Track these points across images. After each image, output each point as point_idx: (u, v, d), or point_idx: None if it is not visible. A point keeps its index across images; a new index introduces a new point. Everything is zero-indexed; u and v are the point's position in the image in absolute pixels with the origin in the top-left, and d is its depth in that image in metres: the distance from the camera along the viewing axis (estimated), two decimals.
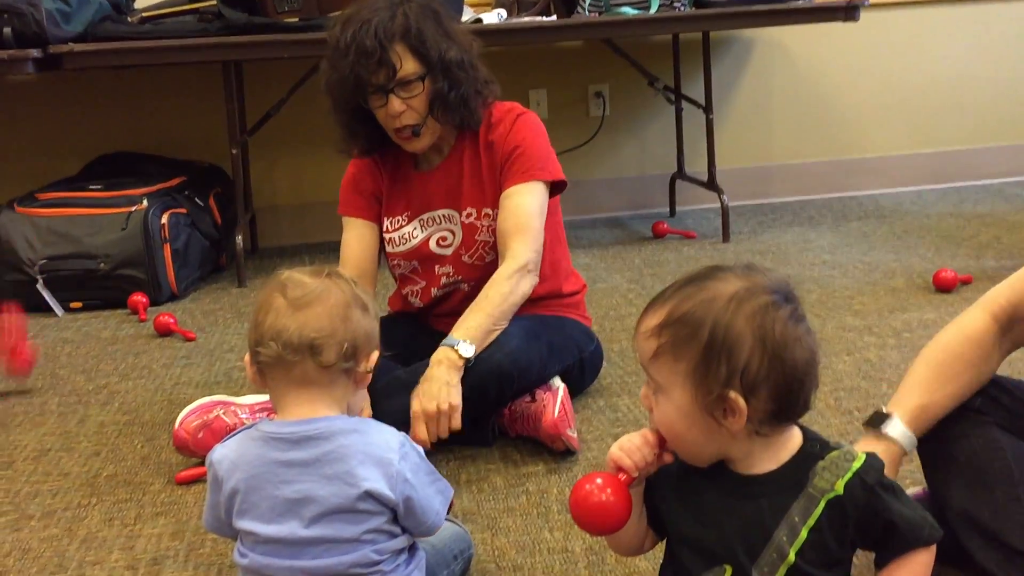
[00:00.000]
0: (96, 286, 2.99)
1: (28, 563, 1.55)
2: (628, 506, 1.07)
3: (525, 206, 1.88)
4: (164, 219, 3.04)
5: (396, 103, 1.82)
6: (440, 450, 1.81)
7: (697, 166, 3.72)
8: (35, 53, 2.87)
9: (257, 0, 3.11)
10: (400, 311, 2.10)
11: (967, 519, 1.26)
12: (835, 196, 4.05)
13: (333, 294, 1.20)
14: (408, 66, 1.81)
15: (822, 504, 1.03)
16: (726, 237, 3.42)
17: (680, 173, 3.83)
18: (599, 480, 1.07)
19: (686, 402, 1.02)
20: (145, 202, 3.05)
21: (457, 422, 1.68)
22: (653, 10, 3.31)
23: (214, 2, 3.13)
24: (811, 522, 1.02)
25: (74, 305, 3.00)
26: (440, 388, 1.68)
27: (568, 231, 3.62)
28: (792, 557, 1.02)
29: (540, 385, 1.86)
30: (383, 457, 1.18)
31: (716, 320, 1.01)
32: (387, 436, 1.21)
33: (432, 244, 1.95)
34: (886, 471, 1.24)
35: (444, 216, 1.95)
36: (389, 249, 1.99)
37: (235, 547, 1.23)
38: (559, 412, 1.76)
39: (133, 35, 3.07)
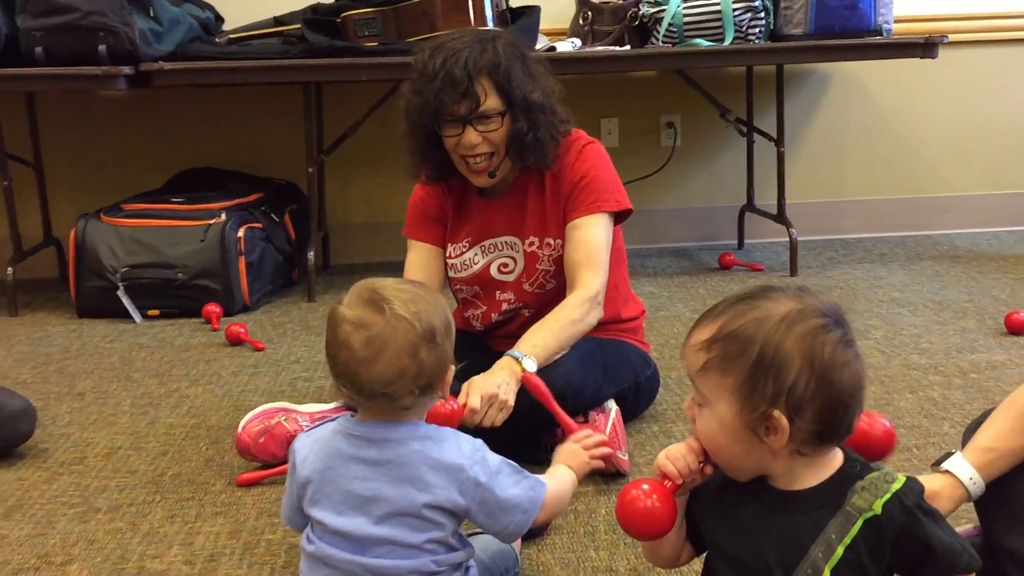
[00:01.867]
0: (173, 295, 3.10)
1: (92, 553, 1.61)
2: (673, 513, 1.10)
3: (593, 238, 1.90)
4: (240, 233, 3.14)
5: (472, 135, 1.84)
6: None
7: (767, 199, 3.71)
8: (127, 70, 3.00)
9: (339, 25, 3.22)
10: (461, 330, 2.13)
11: (1014, 558, 1.24)
12: (908, 234, 3.99)
13: (400, 335, 1.17)
14: (491, 101, 1.83)
15: (859, 523, 1.02)
16: (794, 271, 3.40)
17: (750, 205, 3.82)
18: (645, 486, 1.10)
19: (730, 416, 1.04)
20: (223, 216, 3.15)
21: (501, 420, 1.67)
22: (727, 42, 3.33)
23: (298, 26, 3.24)
24: (847, 540, 1.02)
25: (152, 312, 3.11)
26: (501, 381, 1.69)
27: (634, 259, 3.68)
28: (827, 574, 1.02)
29: (594, 407, 1.88)
30: (454, 464, 1.20)
31: (766, 339, 1.02)
32: (460, 442, 1.23)
33: (493, 270, 1.98)
34: (942, 507, 1.24)
35: (506, 243, 1.98)
36: (451, 274, 2.02)
37: (304, 533, 1.27)
38: (610, 434, 1.78)
39: (220, 55, 3.19)
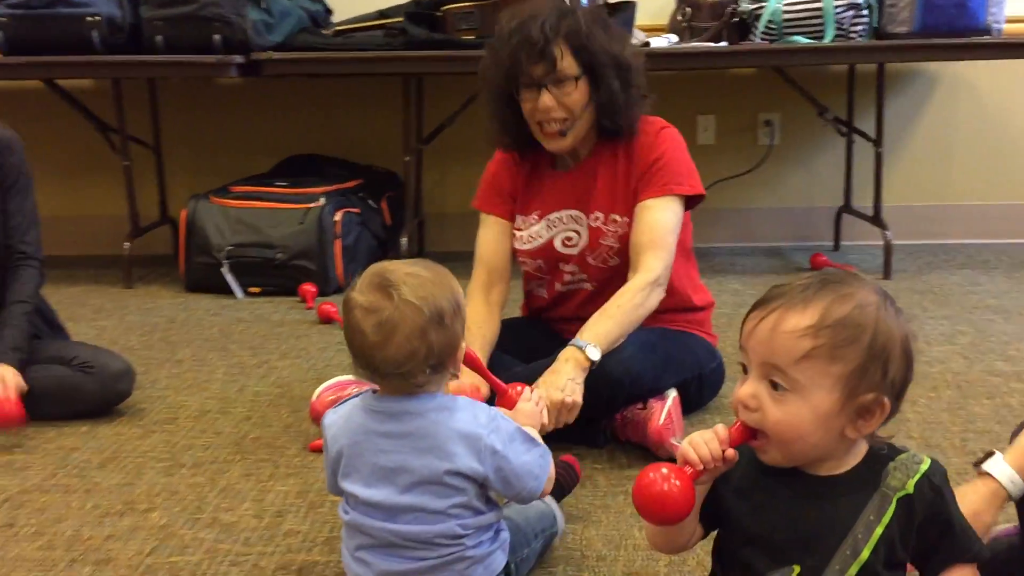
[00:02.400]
0: (273, 274, 3.26)
1: (173, 504, 1.74)
2: (691, 499, 1.08)
3: (661, 221, 1.92)
4: (337, 216, 3.28)
5: (547, 98, 1.87)
6: (552, 444, 1.89)
7: (866, 200, 3.64)
8: (239, 59, 3.17)
9: (439, 18, 3.32)
10: (525, 316, 2.19)
11: None
12: (1016, 242, 3.85)
13: (408, 318, 1.23)
14: (567, 65, 1.86)
15: (894, 502, 1.05)
16: (887, 274, 3.34)
17: (847, 207, 3.76)
18: (664, 470, 1.09)
19: (828, 405, 1.03)
20: (322, 200, 3.30)
21: (573, 417, 1.75)
22: (827, 39, 3.28)
23: (400, 19, 3.35)
24: (885, 519, 1.05)
25: (253, 290, 3.28)
26: (566, 382, 1.75)
27: (725, 257, 3.69)
28: (866, 555, 1.04)
29: (654, 395, 1.91)
30: (471, 432, 1.27)
31: (877, 326, 1.03)
32: (476, 411, 1.30)
33: (557, 243, 2.02)
34: (982, 506, 1.23)
35: (572, 217, 2.01)
36: (517, 246, 2.05)
37: (341, 504, 1.36)
38: (664, 420, 1.81)
39: (326, 47, 3.33)
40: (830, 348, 1.02)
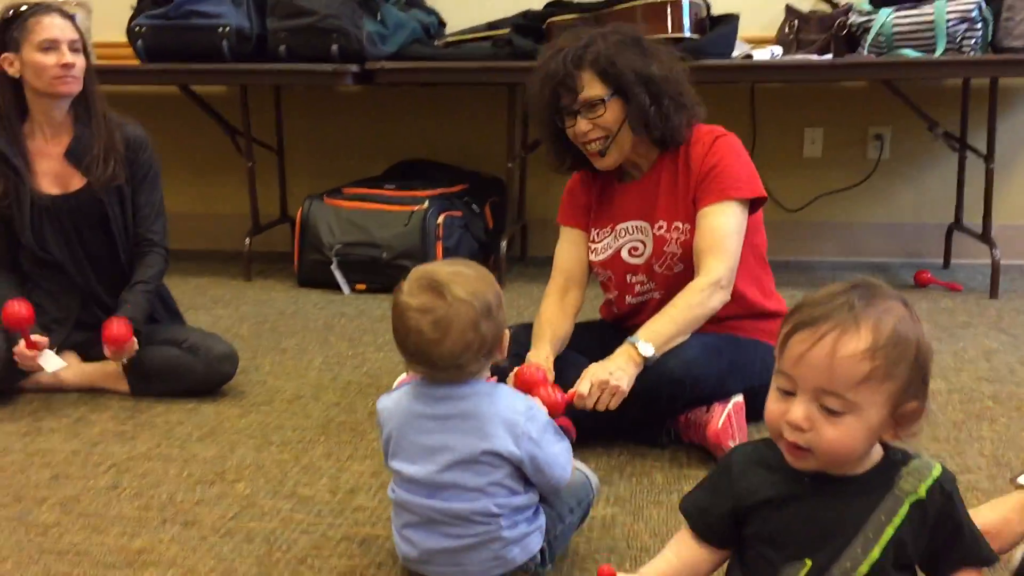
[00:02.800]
0: (378, 272, 3.42)
1: (258, 476, 1.90)
2: None
3: (720, 226, 1.97)
4: (440, 220, 3.42)
5: (582, 123, 1.98)
6: (614, 444, 1.97)
7: (977, 218, 3.55)
8: (354, 68, 3.35)
9: (544, 30, 3.42)
10: (603, 320, 2.26)
11: None
12: None
13: (462, 314, 1.33)
14: (592, 89, 1.95)
15: (906, 505, 1.08)
16: (994, 293, 3.25)
17: (957, 224, 3.67)
18: None
19: (879, 420, 1.06)
20: (426, 203, 3.44)
21: (616, 403, 1.80)
22: (938, 53, 3.23)
23: (508, 30, 3.47)
24: (896, 521, 1.08)
25: (359, 286, 3.45)
26: (616, 368, 1.83)
27: (828, 271, 3.66)
28: (876, 553, 1.07)
29: (719, 399, 1.95)
30: (510, 418, 1.36)
31: (918, 338, 1.06)
32: (515, 400, 1.39)
33: (624, 253, 2.09)
34: (1013, 515, 1.25)
35: (637, 227, 2.08)
36: (592, 258, 2.15)
37: (390, 484, 1.46)
38: (723, 423, 1.85)
39: (436, 56, 3.48)
40: (885, 368, 1.04)
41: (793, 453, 1.09)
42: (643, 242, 2.08)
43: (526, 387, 1.65)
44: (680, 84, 2.00)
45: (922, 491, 1.09)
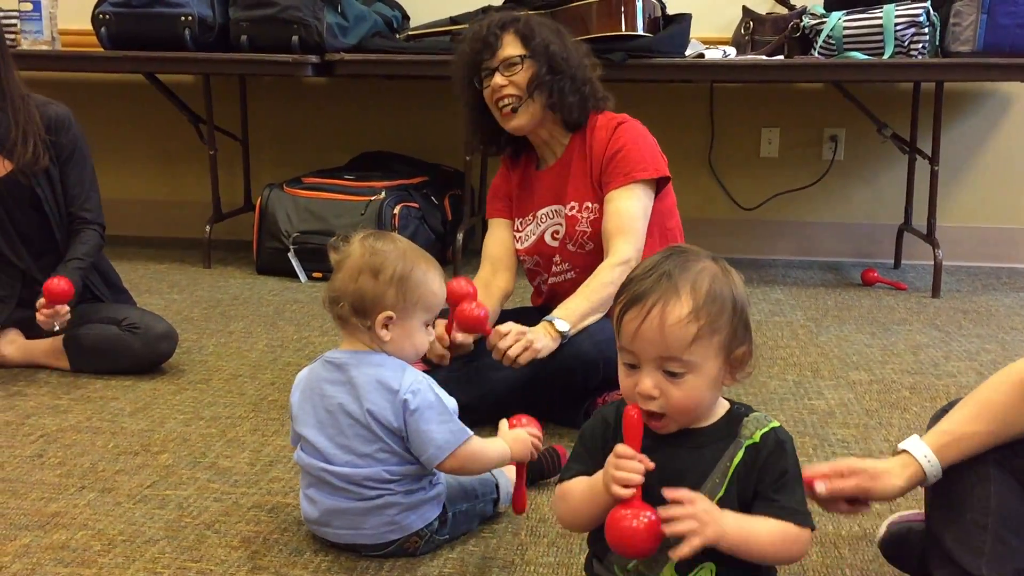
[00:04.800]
0: None
1: (182, 448, 1.95)
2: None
3: (626, 209, 2.05)
4: (396, 210, 3.47)
5: (498, 78, 2.09)
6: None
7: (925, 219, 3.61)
8: (314, 59, 3.40)
9: None
10: (533, 307, 2.32)
11: (933, 538, 1.29)
12: None
13: (352, 259, 1.45)
14: (512, 48, 2.09)
15: (743, 448, 1.16)
16: (936, 293, 3.31)
17: (907, 225, 3.73)
18: (632, 514, 1.11)
19: (715, 370, 1.15)
20: (383, 194, 3.50)
21: (525, 359, 1.86)
22: (886, 56, 3.29)
23: (467, 25, 3.52)
24: (735, 462, 1.16)
25: (316, 274, 3.50)
26: (536, 331, 1.90)
27: (780, 269, 3.72)
28: (722, 492, 1.15)
29: None
30: (392, 387, 1.42)
31: (731, 290, 1.16)
32: (403, 373, 1.44)
33: (547, 237, 2.17)
34: (892, 483, 1.30)
35: (555, 211, 2.16)
36: (517, 247, 2.22)
37: (296, 449, 1.52)
38: None
39: (395, 50, 3.54)
40: (710, 324, 1.13)
41: (653, 422, 1.15)
42: (560, 224, 2.15)
43: (454, 297, 1.75)
44: (584, 74, 2.12)
45: (757, 436, 1.17)
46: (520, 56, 2.08)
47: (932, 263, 3.68)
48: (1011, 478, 1.29)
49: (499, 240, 2.24)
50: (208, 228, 3.73)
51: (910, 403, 2.22)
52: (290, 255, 3.50)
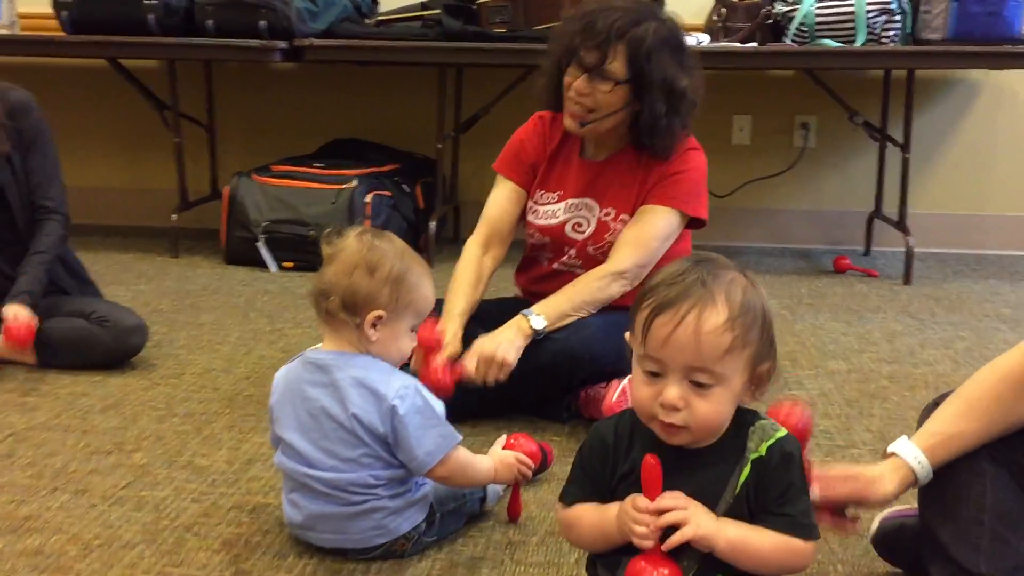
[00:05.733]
0: (305, 250, 3.41)
1: (157, 447, 1.90)
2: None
3: (653, 224, 1.99)
4: (368, 198, 3.42)
5: (582, 83, 1.92)
6: (515, 419, 2.00)
7: (896, 206, 3.63)
8: (282, 45, 3.34)
9: (474, 11, 3.43)
10: (516, 295, 2.28)
11: (929, 535, 1.28)
12: None
13: (348, 253, 1.40)
14: (616, 66, 1.90)
15: (750, 463, 1.13)
16: (907, 280, 3.34)
17: (878, 212, 3.75)
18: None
19: (741, 384, 1.11)
20: (355, 182, 3.44)
21: (504, 375, 1.84)
22: (858, 44, 3.29)
23: (438, 11, 3.48)
24: (742, 478, 1.12)
25: (286, 264, 3.44)
26: (502, 341, 1.86)
27: (752, 257, 3.73)
28: (729, 508, 1.12)
29: (620, 376, 1.98)
30: (379, 392, 1.38)
31: (761, 301, 1.12)
32: (390, 377, 1.41)
33: (568, 228, 2.08)
34: (885, 488, 1.29)
35: (586, 204, 2.07)
36: (530, 218, 2.12)
37: (277, 452, 1.48)
38: (618, 397, 1.89)
39: (366, 35, 3.48)
40: (743, 335, 1.08)
41: (667, 431, 1.11)
42: (587, 220, 2.07)
43: (419, 346, 1.67)
44: (695, 102, 1.98)
45: (763, 449, 1.13)
46: (617, 79, 1.90)
47: (902, 250, 3.71)
48: (1006, 473, 1.29)
49: (504, 205, 2.12)
50: (175, 217, 3.66)
51: (889, 392, 2.23)
52: (259, 244, 3.44)
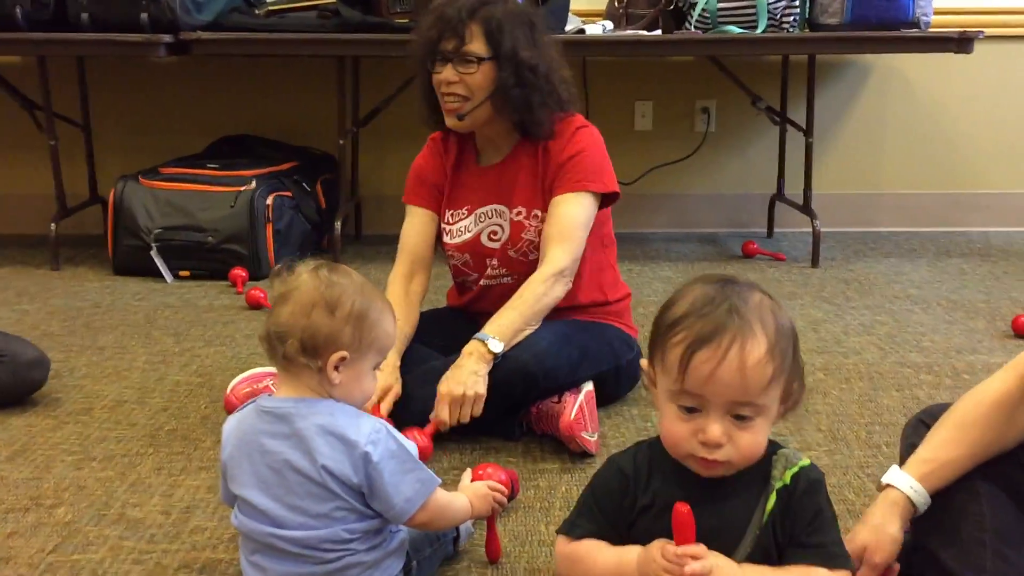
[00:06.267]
0: (203, 257, 3.22)
1: (80, 498, 1.73)
2: None
3: (571, 215, 1.95)
4: (269, 200, 3.25)
5: (450, 71, 1.92)
6: (466, 439, 1.91)
7: (798, 188, 3.69)
8: (167, 38, 3.12)
9: (373, 0, 3.28)
10: (450, 306, 2.21)
11: (931, 557, 1.27)
12: (943, 230, 3.94)
13: (303, 292, 1.27)
14: (475, 45, 1.91)
15: (775, 493, 1.09)
16: (815, 262, 3.39)
17: (780, 195, 3.81)
18: None
19: (775, 410, 1.07)
20: (254, 183, 3.26)
21: (479, 410, 1.80)
22: (760, 30, 3.31)
23: (334, 0, 3.31)
24: (768, 508, 1.09)
25: (182, 273, 3.24)
26: (468, 376, 1.79)
27: (660, 243, 3.72)
28: (756, 540, 1.08)
29: (570, 388, 1.93)
30: (349, 439, 1.26)
31: (788, 319, 1.07)
32: (359, 421, 1.29)
33: (483, 238, 2.05)
34: (885, 517, 1.27)
35: (496, 211, 2.04)
36: (446, 239, 2.09)
37: (233, 510, 1.35)
38: (576, 414, 1.83)
39: (257, 27, 3.29)
40: (781, 362, 1.04)
41: (707, 466, 1.07)
42: (501, 226, 2.04)
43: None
44: (554, 79, 1.96)
45: (787, 477, 1.10)
46: (479, 56, 1.91)
47: (804, 231, 3.78)
48: (997, 489, 1.29)
49: (418, 232, 2.09)
50: (53, 226, 3.39)
51: (828, 386, 2.24)
52: (153, 253, 3.23)
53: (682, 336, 1.04)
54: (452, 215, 2.09)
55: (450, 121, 1.98)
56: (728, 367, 1.01)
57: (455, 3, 1.93)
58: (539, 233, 1.99)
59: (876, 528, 1.26)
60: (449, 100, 1.95)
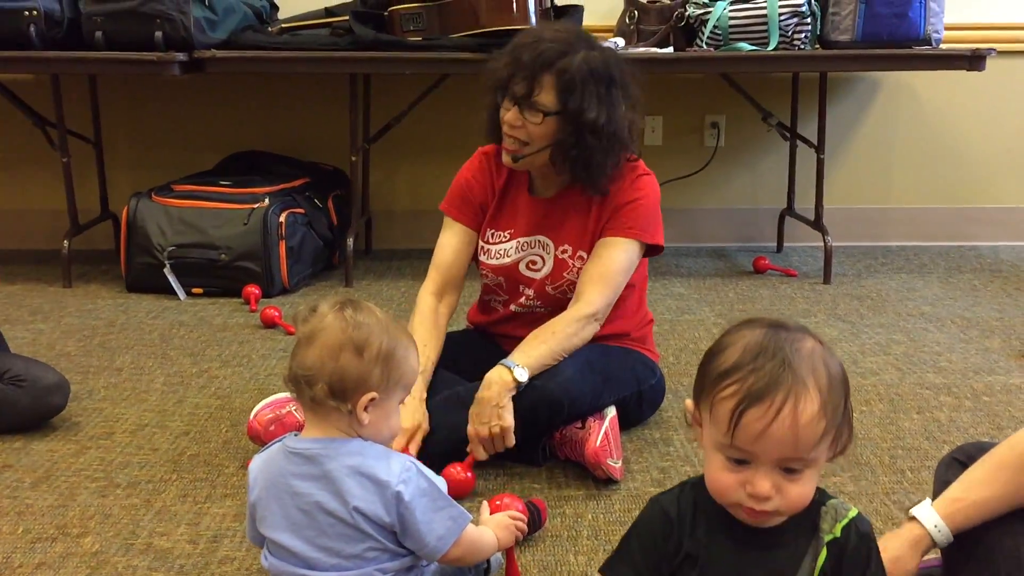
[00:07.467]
0: (216, 275, 3.22)
1: (107, 527, 1.73)
2: None
3: (615, 259, 1.95)
4: (282, 218, 3.25)
5: (514, 115, 1.90)
6: (490, 466, 1.91)
7: (808, 203, 3.69)
8: (181, 57, 3.12)
9: (385, 18, 3.29)
10: (474, 326, 2.21)
11: None
12: (953, 245, 3.95)
13: (330, 333, 1.27)
14: (545, 97, 1.87)
15: (825, 546, 1.08)
16: (827, 278, 3.39)
17: (789, 210, 3.81)
18: None
19: (823, 460, 1.05)
20: (267, 200, 3.26)
21: (511, 440, 1.81)
22: (771, 47, 3.32)
23: (347, 18, 3.32)
24: (820, 562, 1.07)
25: (195, 291, 3.24)
26: (492, 411, 1.80)
27: (670, 258, 3.72)
28: None
29: (593, 413, 1.93)
30: (380, 479, 1.26)
31: (839, 369, 1.04)
32: (388, 461, 1.29)
33: (522, 266, 2.04)
34: (904, 552, 1.26)
35: (540, 243, 2.04)
36: (482, 258, 2.08)
37: (263, 551, 1.35)
38: (601, 441, 1.83)
39: (270, 45, 3.29)
40: (834, 416, 1.02)
41: (755, 516, 1.06)
42: (542, 258, 2.04)
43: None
44: (622, 140, 1.93)
45: (837, 530, 1.09)
46: (545, 110, 1.87)
47: (813, 245, 3.80)
48: None
49: (455, 250, 2.07)
50: (67, 243, 3.39)
51: None
52: (166, 271, 3.22)
53: (732, 391, 1.02)
54: (493, 235, 2.07)
55: (505, 159, 1.97)
56: (780, 426, 0.99)
57: (536, 47, 1.87)
58: (579, 274, 1.99)
59: (894, 561, 1.26)
60: (509, 141, 1.94)
